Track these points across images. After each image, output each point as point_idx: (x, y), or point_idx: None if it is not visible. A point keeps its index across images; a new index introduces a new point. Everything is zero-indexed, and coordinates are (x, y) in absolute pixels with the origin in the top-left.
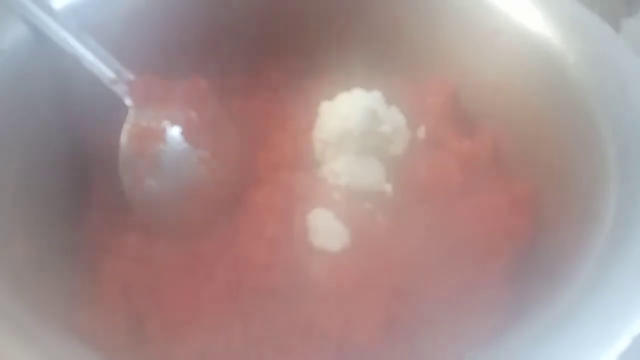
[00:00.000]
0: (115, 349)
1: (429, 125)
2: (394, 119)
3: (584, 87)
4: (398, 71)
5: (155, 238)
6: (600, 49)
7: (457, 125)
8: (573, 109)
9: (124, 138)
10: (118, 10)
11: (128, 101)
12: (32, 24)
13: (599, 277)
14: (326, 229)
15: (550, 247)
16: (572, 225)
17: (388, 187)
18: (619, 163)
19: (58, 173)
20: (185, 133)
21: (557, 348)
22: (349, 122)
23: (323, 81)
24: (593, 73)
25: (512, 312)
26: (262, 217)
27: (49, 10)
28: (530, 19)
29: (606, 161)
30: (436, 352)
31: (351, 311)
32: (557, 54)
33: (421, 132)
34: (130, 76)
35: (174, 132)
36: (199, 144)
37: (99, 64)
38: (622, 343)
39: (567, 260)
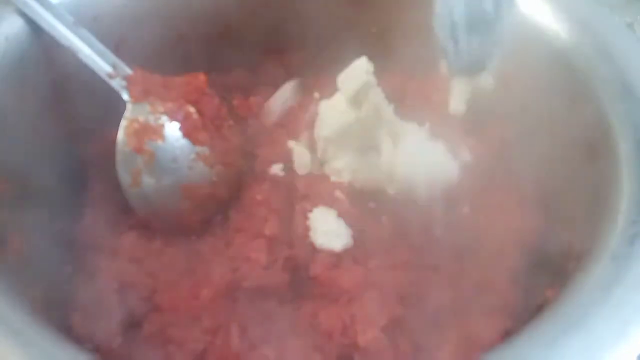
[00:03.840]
0: (110, 350)
1: (434, 123)
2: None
3: (594, 82)
4: (401, 68)
5: (152, 237)
6: (610, 43)
7: (463, 123)
8: (583, 105)
9: (121, 134)
10: (116, 3)
11: (125, 96)
12: (27, 17)
13: (612, 278)
14: (328, 228)
15: (560, 247)
16: (583, 225)
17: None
18: (631, 160)
19: (53, 169)
20: (183, 129)
21: (569, 352)
22: (350, 117)
23: (324, 78)
24: (604, 68)
25: (521, 315)
26: (262, 216)
27: (45, 3)
28: (537, 12)
29: (618, 158)
30: (441, 356)
31: (354, 313)
32: (566, 48)
33: (426, 129)
34: (128, 70)
35: (172, 128)
36: (197, 140)
37: (95, 57)
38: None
39: (578, 261)
